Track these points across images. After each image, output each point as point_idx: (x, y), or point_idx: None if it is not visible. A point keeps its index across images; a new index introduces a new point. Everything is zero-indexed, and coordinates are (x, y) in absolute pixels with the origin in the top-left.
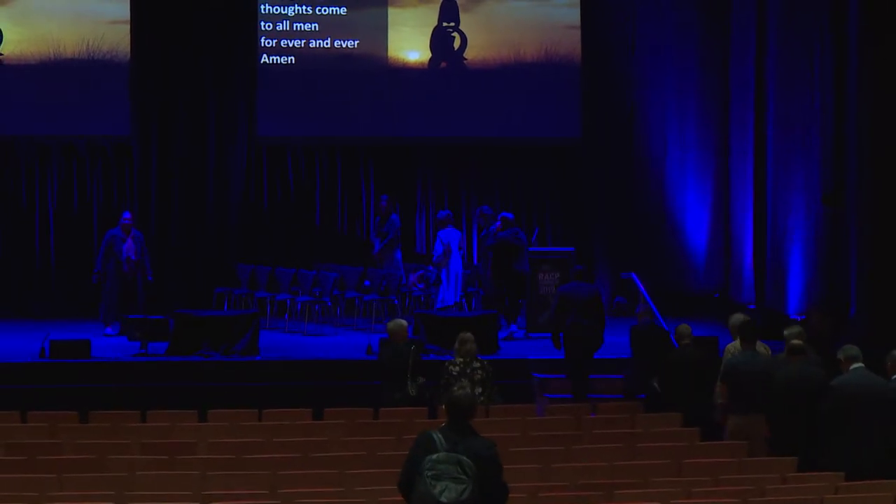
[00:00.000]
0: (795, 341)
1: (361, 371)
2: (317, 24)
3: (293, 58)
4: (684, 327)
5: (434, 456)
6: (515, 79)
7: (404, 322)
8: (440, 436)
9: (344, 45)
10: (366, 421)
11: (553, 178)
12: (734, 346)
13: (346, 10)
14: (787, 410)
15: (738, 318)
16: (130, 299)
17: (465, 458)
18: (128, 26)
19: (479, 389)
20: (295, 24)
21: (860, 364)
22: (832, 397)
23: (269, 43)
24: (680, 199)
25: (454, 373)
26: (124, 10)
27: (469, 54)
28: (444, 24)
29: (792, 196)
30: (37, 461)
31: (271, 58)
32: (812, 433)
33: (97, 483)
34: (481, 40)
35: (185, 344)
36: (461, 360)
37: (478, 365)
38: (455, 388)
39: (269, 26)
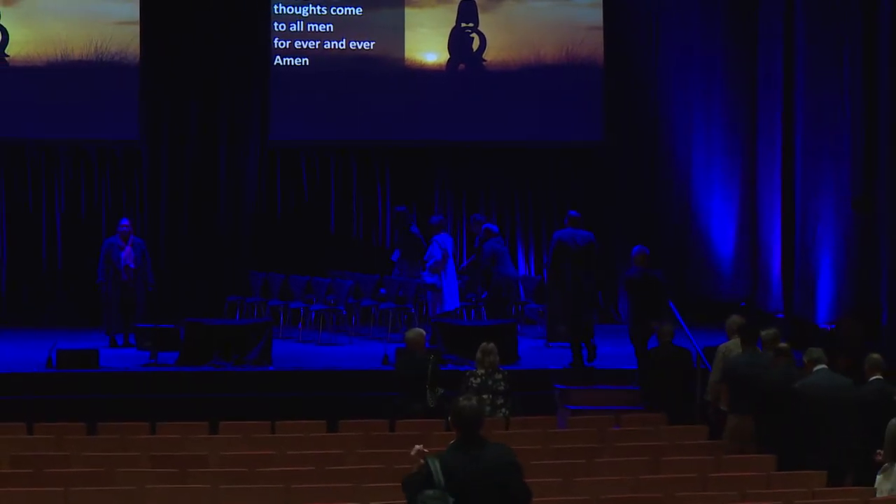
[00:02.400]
0: (783, 344)
1: (377, 382)
2: (331, 25)
3: (307, 59)
4: (667, 326)
5: (429, 492)
6: (536, 81)
7: (423, 331)
8: (437, 466)
9: (359, 47)
10: (382, 433)
11: (574, 183)
12: (727, 346)
13: (361, 10)
14: (772, 411)
15: (735, 319)
16: (131, 309)
17: (452, 499)
18: (137, 27)
19: (502, 401)
20: (309, 25)
21: (823, 366)
22: (797, 399)
23: (282, 44)
24: (705, 204)
25: (475, 385)
26: (133, 11)
27: (488, 56)
28: (463, 24)
29: (821, 201)
30: (43, 474)
31: (285, 59)
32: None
33: (105, 497)
34: (501, 41)
35: (195, 354)
36: (483, 371)
37: (500, 376)
38: (459, 400)
39: (282, 27)
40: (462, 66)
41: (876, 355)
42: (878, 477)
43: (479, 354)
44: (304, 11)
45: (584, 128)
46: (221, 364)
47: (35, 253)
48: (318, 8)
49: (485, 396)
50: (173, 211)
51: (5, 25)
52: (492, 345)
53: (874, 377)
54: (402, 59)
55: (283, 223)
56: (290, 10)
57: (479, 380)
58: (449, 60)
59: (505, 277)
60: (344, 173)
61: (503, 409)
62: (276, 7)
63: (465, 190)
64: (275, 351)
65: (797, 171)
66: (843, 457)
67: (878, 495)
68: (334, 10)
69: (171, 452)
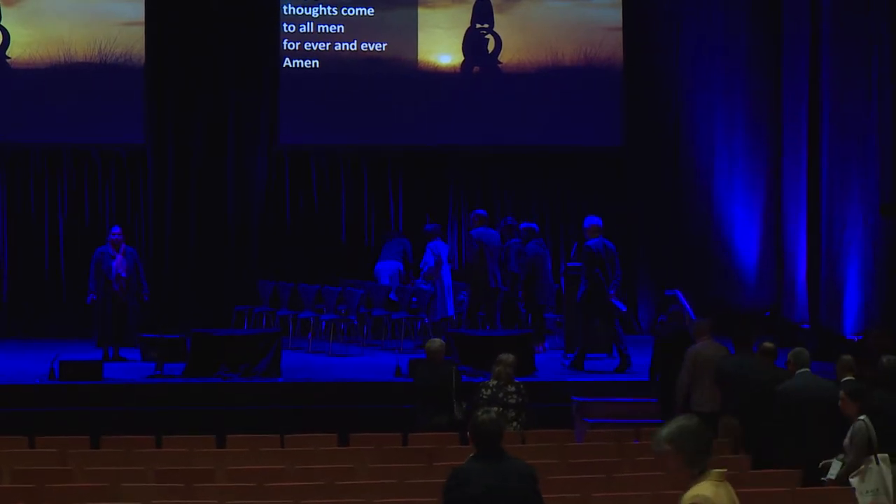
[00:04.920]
0: (767, 343)
1: (390, 394)
2: (342, 26)
3: (317, 61)
4: (676, 311)
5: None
6: (553, 83)
7: (443, 342)
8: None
9: (371, 48)
10: (394, 447)
11: (593, 189)
12: (696, 349)
13: (373, 10)
14: (758, 411)
15: (702, 322)
16: (123, 320)
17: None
18: (142, 28)
19: (513, 414)
20: (319, 26)
21: (806, 369)
22: (778, 401)
23: (292, 45)
24: (728, 211)
25: (485, 396)
26: (139, 11)
27: (504, 57)
28: (478, 25)
29: (848, 207)
30: (45, 489)
31: (294, 61)
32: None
33: None
34: (517, 42)
35: (202, 365)
36: (494, 383)
37: (512, 389)
38: (478, 414)
39: (292, 28)
40: (477, 68)
41: (847, 356)
42: (853, 480)
43: (496, 366)
44: (315, 12)
45: (603, 132)
46: (229, 375)
47: (37, 260)
48: (329, 8)
49: (495, 409)
50: (179, 217)
51: (6, 26)
52: (508, 355)
53: (846, 378)
54: (415, 60)
55: (292, 230)
56: (300, 10)
57: (489, 391)
58: (463, 62)
59: (543, 285)
60: (355, 178)
61: (515, 423)
62: (285, 7)
63: (480, 196)
64: (284, 362)
65: (823, 176)
66: (819, 457)
67: (857, 496)
68: (345, 11)
69: (178, 467)
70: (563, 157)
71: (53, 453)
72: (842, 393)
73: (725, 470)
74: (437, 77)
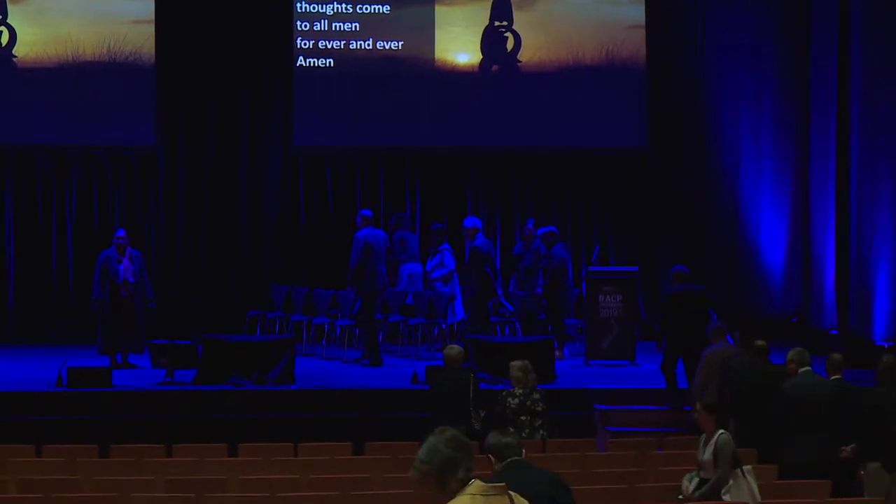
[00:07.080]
0: (759, 342)
1: (406, 401)
2: (358, 24)
3: (332, 60)
4: (679, 272)
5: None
6: (574, 83)
7: (461, 348)
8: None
9: (387, 47)
10: (410, 455)
11: (616, 192)
12: (713, 351)
13: (389, 8)
14: (751, 409)
15: (715, 326)
16: (131, 325)
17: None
18: (152, 26)
19: (540, 422)
20: (334, 24)
21: (807, 367)
22: (781, 399)
23: (305, 44)
24: (755, 214)
25: (513, 405)
26: (148, 9)
27: (523, 56)
28: (496, 23)
29: (878, 210)
30: (53, 499)
31: (308, 60)
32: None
33: None
34: (537, 41)
35: (214, 372)
36: (521, 391)
37: (538, 396)
38: (494, 434)
39: (305, 26)
40: (495, 67)
41: (837, 355)
42: (725, 496)
43: (518, 373)
44: (329, 10)
45: (626, 133)
46: (241, 382)
47: (44, 266)
48: (344, 6)
49: (523, 418)
50: (190, 220)
51: (13, 24)
52: (525, 362)
53: (835, 377)
54: (432, 59)
55: (306, 233)
56: (314, 8)
57: (517, 400)
58: (481, 61)
59: (566, 289)
60: (371, 180)
61: (542, 431)
62: (299, 5)
63: (498, 198)
64: (297, 369)
65: (852, 178)
66: (816, 452)
67: None
68: (360, 9)
69: (188, 476)
70: (585, 159)
71: (61, 462)
72: (697, 406)
73: (493, 485)
74: (455, 76)
